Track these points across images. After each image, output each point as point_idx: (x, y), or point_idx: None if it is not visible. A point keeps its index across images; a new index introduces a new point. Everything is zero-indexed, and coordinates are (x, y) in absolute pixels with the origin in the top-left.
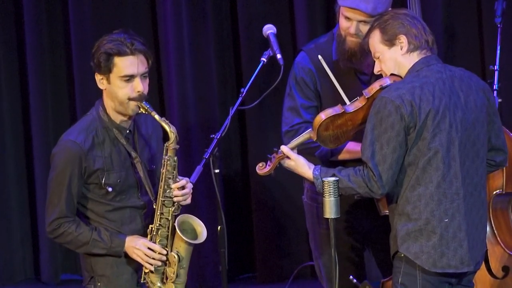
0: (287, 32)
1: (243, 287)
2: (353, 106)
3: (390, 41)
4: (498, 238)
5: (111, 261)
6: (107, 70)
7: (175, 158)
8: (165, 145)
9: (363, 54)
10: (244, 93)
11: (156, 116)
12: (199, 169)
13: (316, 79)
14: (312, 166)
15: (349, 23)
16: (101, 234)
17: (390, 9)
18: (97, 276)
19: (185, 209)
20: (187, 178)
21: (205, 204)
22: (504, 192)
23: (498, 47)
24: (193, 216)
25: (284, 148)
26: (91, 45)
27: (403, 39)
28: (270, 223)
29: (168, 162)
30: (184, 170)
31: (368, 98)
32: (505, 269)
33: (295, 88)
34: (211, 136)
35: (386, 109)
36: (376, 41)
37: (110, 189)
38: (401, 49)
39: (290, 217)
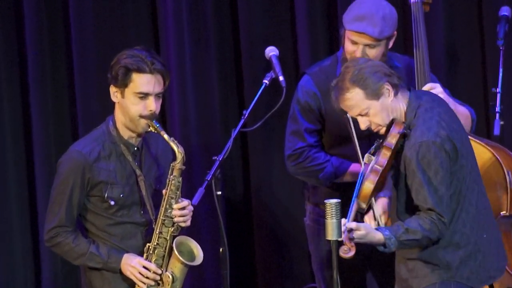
0: (290, 54)
1: None
2: (384, 160)
3: (376, 94)
4: None
5: (109, 277)
6: (123, 84)
7: (180, 179)
8: (171, 164)
9: None
10: (246, 115)
11: (165, 136)
12: (201, 191)
13: (320, 102)
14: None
15: (355, 47)
16: (99, 248)
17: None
18: None
19: (187, 231)
20: (189, 200)
21: (207, 226)
22: (508, 214)
23: (501, 70)
24: (191, 239)
25: (351, 225)
26: (92, 61)
27: (387, 86)
28: (272, 245)
29: (172, 182)
30: (186, 192)
31: (393, 149)
32: None
33: (299, 111)
34: (213, 158)
35: (431, 152)
36: (359, 99)
37: (112, 203)
38: (389, 96)
39: (292, 239)
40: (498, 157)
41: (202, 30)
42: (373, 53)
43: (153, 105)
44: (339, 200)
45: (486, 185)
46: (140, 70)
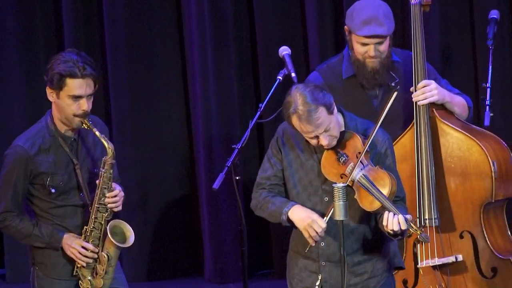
0: (301, 52)
1: (262, 282)
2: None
3: (332, 109)
4: (488, 242)
5: (50, 252)
6: (58, 87)
7: (111, 171)
8: (103, 159)
9: (384, 69)
10: (262, 108)
11: (97, 133)
12: (221, 176)
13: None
14: None
15: (366, 48)
16: (41, 229)
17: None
18: (37, 264)
19: (210, 209)
20: (120, 188)
21: (227, 207)
22: (494, 201)
23: (490, 67)
24: (124, 222)
25: (410, 216)
26: (123, 62)
27: (333, 101)
28: None
29: (104, 174)
30: (208, 177)
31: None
32: (494, 270)
33: None
34: (232, 146)
35: (392, 146)
36: (325, 116)
37: (53, 190)
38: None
39: None
40: (484, 149)
41: (222, 32)
42: (383, 48)
43: (85, 105)
44: (346, 184)
45: (473, 174)
46: (72, 76)
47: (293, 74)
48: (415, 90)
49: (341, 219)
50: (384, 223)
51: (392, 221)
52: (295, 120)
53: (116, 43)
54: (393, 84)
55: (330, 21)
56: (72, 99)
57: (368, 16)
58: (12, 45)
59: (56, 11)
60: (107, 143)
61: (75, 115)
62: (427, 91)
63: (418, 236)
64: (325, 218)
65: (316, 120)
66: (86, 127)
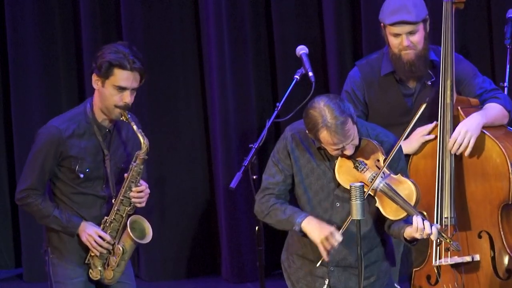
0: (318, 52)
1: (279, 281)
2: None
3: (355, 120)
4: (505, 243)
5: (65, 238)
6: (105, 75)
7: (142, 166)
8: (136, 153)
9: (421, 60)
10: (279, 107)
11: (134, 127)
12: (238, 175)
13: (365, 90)
14: None
15: (399, 39)
16: (61, 213)
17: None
18: (51, 247)
19: (227, 208)
20: (146, 185)
21: (244, 207)
22: (510, 202)
23: (508, 66)
24: (144, 218)
25: (438, 225)
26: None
27: None
28: None
29: (135, 168)
30: (225, 176)
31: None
32: (509, 271)
33: (346, 99)
34: (250, 145)
35: None
36: (352, 127)
37: (81, 175)
38: None
39: None
40: (503, 150)
41: (240, 31)
42: (416, 38)
43: (128, 98)
44: (363, 184)
45: (493, 175)
46: (121, 67)
47: (310, 74)
48: (442, 90)
49: (358, 218)
50: (417, 227)
51: (424, 226)
52: (324, 134)
53: (133, 42)
54: (429, 83)
55: (348, 20)
56: (116, 89)
57: (397, 6)
58: (31, 44)
59: (74, 11)
60: (142, 138)
61: (116, 106)
62: (464, 140)
63: (450, 245)
64: (341, 230)
65: (347, 132)
66: (124, 120)
